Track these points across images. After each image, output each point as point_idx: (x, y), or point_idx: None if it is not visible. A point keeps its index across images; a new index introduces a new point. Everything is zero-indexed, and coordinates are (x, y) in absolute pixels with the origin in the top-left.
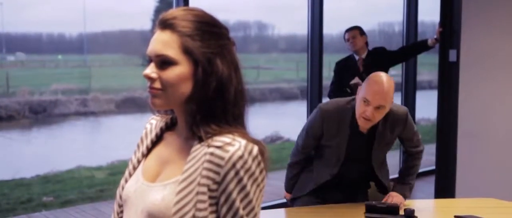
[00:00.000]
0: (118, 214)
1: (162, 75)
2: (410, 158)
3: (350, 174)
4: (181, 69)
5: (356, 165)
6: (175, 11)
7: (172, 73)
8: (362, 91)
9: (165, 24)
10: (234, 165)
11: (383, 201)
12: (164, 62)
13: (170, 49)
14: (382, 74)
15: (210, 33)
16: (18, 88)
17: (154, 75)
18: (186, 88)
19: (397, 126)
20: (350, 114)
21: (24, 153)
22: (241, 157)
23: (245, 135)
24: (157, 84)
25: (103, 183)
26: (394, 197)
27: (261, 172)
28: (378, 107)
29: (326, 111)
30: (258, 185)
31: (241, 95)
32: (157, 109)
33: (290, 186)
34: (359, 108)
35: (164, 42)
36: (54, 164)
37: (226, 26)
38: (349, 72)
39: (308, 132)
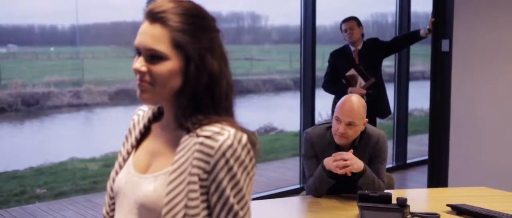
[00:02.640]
0: (109, 206)
1: (152, 70)
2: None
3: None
4: (172, 65)
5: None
6: (164, 3)
7: (162, 68)
8: (335, 112)
9: (155, 17)
10: (224, 153)
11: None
12: (154, 57)
13: (161, 44)
14: (353, 96)
15: (200, 28)
16: (10, 81)
17: (143, 69)
18: (176, 83)
19: (371, 143)
20: (331, 135)
21: (16, 145)
22: (230, 146)
23: (233, 124)
24: (147, 78)
25: (96, 175)
26: (355, 163)
27: (251, 160)
28: (348, 124)
29: (311, 133)
30: (248, 173)
31: (231, 88)
32: (146, 103)
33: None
34: (334, 126)
35: (154, 37)
36: (47, 156)
37: (213, 17)
38: (345, 64)
39: (306, 157)
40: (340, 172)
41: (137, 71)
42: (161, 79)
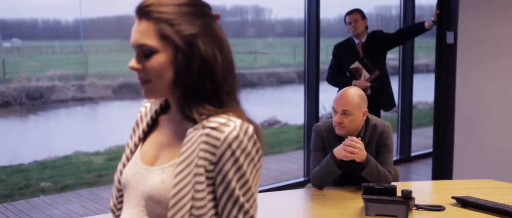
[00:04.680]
0: (117, 198)
1: (145, 65)
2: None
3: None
4: (162, 57)
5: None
6: None
7: (154, 62)
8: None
9: (141, 13)
10: (230, 145)
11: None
12: (145, 52)
13: (149, 38)
14: (350, 88)
15: (188, 14)
16: (14, 75)
17: (136, 66)
18: (170, 74)
19: (376, 133)
20: None
21: (21, 139)
22: (236, 137)
23: (240, 114)
24: (143, 75)
25: (101, 168)
26: (360, 152)
27: (257, 151)
28: (343, 113)
29: (321, 127)
30: (254, 165)
31: (229, 71)
32: (149, 98)
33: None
34: (333, 118)
35: (142, 32)
36: (52, 149)
37: (206, 3)
38: (349, 56)
39: (314, 148)
40: (345, 158)
41: (132, 69)
42: (154, 73)
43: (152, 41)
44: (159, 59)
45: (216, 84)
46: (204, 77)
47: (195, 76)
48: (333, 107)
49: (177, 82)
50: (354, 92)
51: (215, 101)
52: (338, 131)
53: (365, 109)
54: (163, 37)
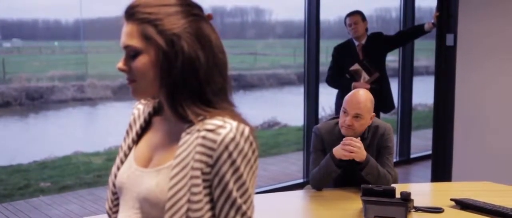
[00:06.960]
0: (112, 201)
1: (131, 66)
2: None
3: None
4: (146, 57)
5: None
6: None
7: (138, 62)
8: (343, 104)
9: (128, 15)
10: (226, 147)
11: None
12: (131, 53)
13: (133, 39)
14: (361, 90)
15: (174, 14)
16: (14, 75)
17: (123, 67)
18: (154, 74)
19: (378, 135)
20: (340, 130)
21: (21, 139)
22: (233, 139)
23: (235, 116)
24: (129, 75)
25: (100, 169)
26: (359, 152)
27: (253, 152)
28: (355, 116)
29: (321, 128)
30: (251, 167)
31: (217, 72)
32: (137, 99)
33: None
34: (341, 118)
35: (127, 33)
36: (52, 150)
37: (195, 3)
38: (348, 58)
39: (314, 150)
40: (344, 157)
41: (119, 70)
42: (139, 73)
43: (136, 42)
44: (143, 60)
45: (201, 83)
46: (187, 77)
47: (179, 76)
48: (344, 108)
49: (162, 82)
50: (367, 97)
51: (202, 101)
52: (345, 132)
53: (373, 113)
54: (146, 37)
